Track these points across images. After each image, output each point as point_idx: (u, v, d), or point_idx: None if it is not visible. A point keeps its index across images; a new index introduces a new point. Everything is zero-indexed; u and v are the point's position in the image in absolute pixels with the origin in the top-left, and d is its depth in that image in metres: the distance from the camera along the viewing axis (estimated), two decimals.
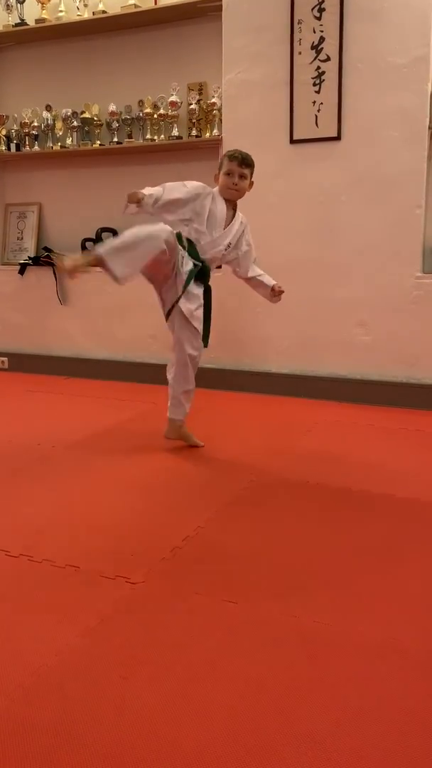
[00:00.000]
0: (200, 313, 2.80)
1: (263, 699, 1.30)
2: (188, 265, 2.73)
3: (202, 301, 2.81)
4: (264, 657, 1.44)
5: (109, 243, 2.54)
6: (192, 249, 2.76)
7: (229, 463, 2.71)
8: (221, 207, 2.80)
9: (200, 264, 2.76)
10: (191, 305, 2.76)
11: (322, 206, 3.69)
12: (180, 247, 2.70)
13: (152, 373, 4.17)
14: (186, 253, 2.73)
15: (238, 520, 2.17)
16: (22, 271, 4.56)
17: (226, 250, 2.83)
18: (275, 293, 2.95)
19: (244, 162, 2.77)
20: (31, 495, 2.38)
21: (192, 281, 2.74)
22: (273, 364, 3.92)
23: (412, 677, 1.37)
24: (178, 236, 2.71)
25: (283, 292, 2.96)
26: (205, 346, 2.86)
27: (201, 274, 2.78)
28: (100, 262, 2.48)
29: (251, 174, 2.82)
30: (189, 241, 2.77)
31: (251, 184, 2.85)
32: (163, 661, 1.42)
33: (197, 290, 2.79)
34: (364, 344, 3.70)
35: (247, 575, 1.79)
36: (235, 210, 2.86)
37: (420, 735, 1.21)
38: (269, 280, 2.97)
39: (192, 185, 2.76)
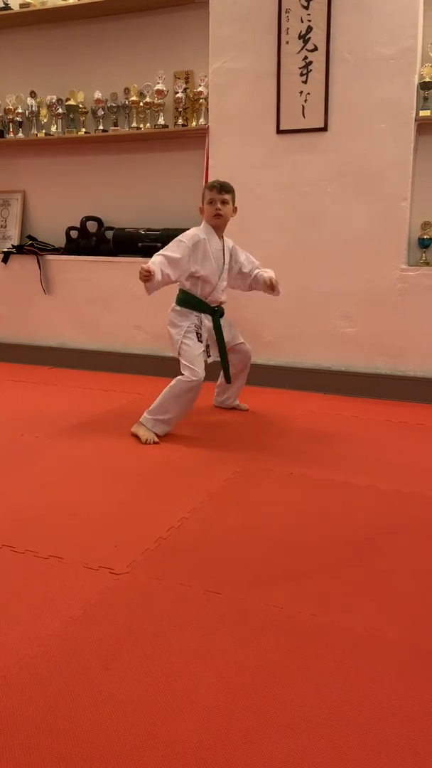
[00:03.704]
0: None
1: (246, 689, 1.30)
2: (206, 322, 2.96)
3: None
4: (247, 648, 1.44)
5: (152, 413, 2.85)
6: (201, 304, 2.95)
7: (213, 454, 2.71)
8: (215, 245, 2.95)
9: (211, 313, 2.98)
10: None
11: (307, 197, 3.68)
12: (194, 318, 2.93)
13: (137, 364, 4.16)
14: (200, 322, 2.95)
15: (222, 510, 2.17)
16: (5, 260, 4.51)
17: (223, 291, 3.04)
18: (270, 287, 3.02)
19: (223, 188, 2.90)
20: (14, 485, 2.36)
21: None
22: (258, 355, 3.91)
23: (395, 668, 1.38)
24: (185, 298, 2.93)
25: (274, 287, 3.01)
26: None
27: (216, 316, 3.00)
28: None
29: (233, 199, 2.95)
30: (195, 298, 2.94)
31: (235, 209, 2.98)
32: (145, 651, 1.41)
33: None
34: (348, 336, 3.71)
35: (231, 566, 1.79)
36: (223, 239, 3.01)
37: (402, 725, 1.22)
38: (261, 276, 3.04)
39: (187, 237, 2.88)
